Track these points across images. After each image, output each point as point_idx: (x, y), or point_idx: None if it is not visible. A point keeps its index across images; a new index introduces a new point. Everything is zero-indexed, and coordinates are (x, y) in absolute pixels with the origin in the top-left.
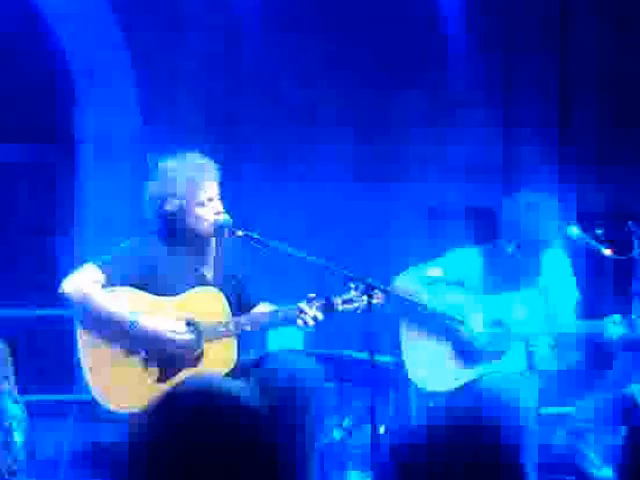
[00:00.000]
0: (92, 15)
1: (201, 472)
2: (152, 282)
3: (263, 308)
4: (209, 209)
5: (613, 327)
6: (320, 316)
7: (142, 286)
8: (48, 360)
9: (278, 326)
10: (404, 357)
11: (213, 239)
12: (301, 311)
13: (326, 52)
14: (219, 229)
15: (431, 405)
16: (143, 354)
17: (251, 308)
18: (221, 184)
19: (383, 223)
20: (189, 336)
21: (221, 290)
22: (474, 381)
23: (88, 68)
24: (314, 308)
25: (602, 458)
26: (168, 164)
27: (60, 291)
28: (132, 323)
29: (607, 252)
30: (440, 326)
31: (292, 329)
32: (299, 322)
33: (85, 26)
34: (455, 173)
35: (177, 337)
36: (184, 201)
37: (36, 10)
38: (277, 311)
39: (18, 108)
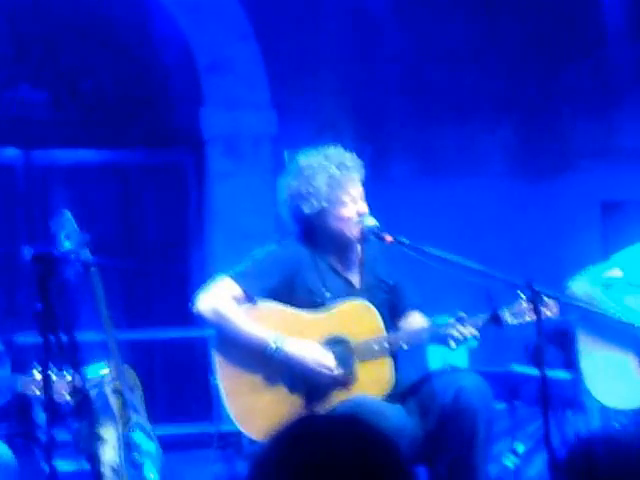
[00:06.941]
0: (218, 5)
1: None
2: (295, 291)
3: (415, 318)
4: (353, 210)
5: None
6: (476, 333)
7: (285, 296)
8: (184, 386)
9: (437, 342)
10: (583, 370)
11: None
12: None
13: (475, 35)
14: (365, 234)
15: (617, 427)
16: (287, 379)
17: (401, 317)
18: (364, 183)
19: (551, 221)
20: (338, 371)
21: (371, 298)
22: None
23: (215, 62)
24: (468, 326)
25: None
26: (307, 160)
27: (194, 310)
28: (276, 350)
29: None
30: (623, 334)
31: None
32: (451, 338)
33: (211, 17)
34: (628, 162)
35: (325, 371)
36: (325, 202)
37: (157, 3)
38: (439, 326)
39: (143, 109)
